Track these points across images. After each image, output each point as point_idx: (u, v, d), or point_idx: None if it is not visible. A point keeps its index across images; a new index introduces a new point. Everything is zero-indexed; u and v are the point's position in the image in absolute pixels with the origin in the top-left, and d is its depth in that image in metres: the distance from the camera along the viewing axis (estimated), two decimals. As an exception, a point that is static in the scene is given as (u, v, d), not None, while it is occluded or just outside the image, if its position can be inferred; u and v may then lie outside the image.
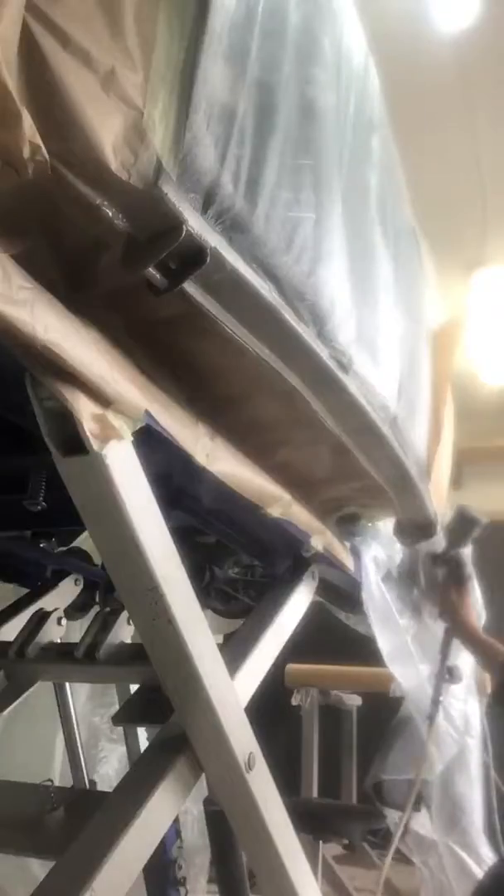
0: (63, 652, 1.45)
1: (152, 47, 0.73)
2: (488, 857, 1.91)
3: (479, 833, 1.93)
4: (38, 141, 0.64)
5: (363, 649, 1.88)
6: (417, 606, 1.95)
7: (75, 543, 1.76)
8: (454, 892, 1.86)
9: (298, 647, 1.62)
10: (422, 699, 1.82)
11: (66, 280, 0.79)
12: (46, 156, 0.65)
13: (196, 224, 0.78)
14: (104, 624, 1.43)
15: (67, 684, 1.95)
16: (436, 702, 1.81)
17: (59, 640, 1.51)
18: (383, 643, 1.67)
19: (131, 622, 1.41)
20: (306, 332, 1.02)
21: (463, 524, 1.87)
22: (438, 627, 1.93)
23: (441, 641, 1.84)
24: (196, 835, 2.37)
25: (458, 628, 1.80)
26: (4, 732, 2.47)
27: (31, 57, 0.63)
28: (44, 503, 1.15)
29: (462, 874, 1.86)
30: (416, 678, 1.80)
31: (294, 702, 2.97)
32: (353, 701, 3.05)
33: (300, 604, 1.54)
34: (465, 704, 1.97)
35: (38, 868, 2.25)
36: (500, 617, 2.04)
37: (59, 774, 2.43)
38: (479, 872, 1.86)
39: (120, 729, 2.87)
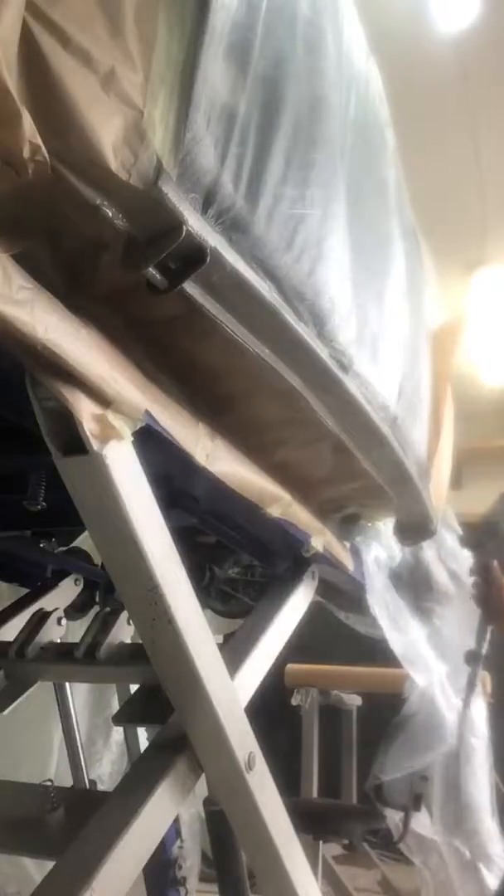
0: (63, 652, 1.45)
1: (152, 47, 0.73)
2: (499, 856, 1.89)
3: (488, 833, 1.92)
4: (38, 141, 0.64)
5: (363, 649, 1.88)
6: (424, 608, 1.94)
7: (75, 543, 1.76)
8: (456, 892, 1.86)
9: (298, 647, 1.62)
10: (436, 696, 1.81)
11: (66, 280, 0.79)
12: (46, 156, 0.65)
13: (196, 224, 0.78)
14: (104, 624, 1.43)
15: (67, 684, 1.95)
16: (472, 685, 1.78)
17: (59, 640, 1.51)
18: (394, 643, 1.67)
19: (131, 622, 1.41)
20: (306, 332, 1.02)
21: None
22: (446, 626, 1.92)
23: (476, 629, 1.80)
24: (187, 837, 2.37)
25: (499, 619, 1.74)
26: (3, 732, 2.47)
27: (31, 57, 0.63)
28: (44, 503, 1.15)
29: (468, 875, 1.85)
30: (430, 676, 1.79)
31: (294, 702, 2.97)
32: (353, 701, 3.05)
33: (300, 604, 1.54)
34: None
35: (32, 865, 2.26)
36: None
37: (55, 774, 2.43)
38: (488, 874, 1.85)
39: (113, 731, 2.88)
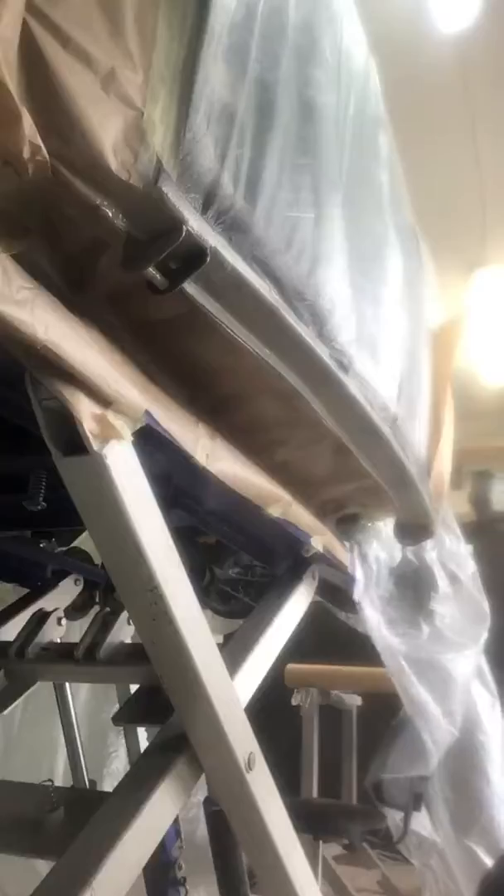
0: (63, 652, 1.45)
1: (152, 47, 0.73)
2: None
3: (500, 828, 1.91)
4: (38, 141, 0.64)
5: (363, 649, 1.88)
6: (427, 609, 1.94)
7: (75, 543, 1.76)
8: (462, 893, 1.85)
9: (298, 647, 1.62)
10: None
11: (66, 280, 0.79)
12: (46, 156, 0.65)
13: (196, 224, 0.78)
14: (104, 624, 1.43)
15: (67, 684, 1.95)
16: None
17: (59, 640, 1.51)
18: (380, 644, 1.67)
19: (131, 622, 1.41)
20: (306, 332, 1.02)
21: None
22: (447, 628, 1.92)
23: None
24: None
25: None
26: (6, 732, 2.47)
27: (31, 57, 0.63)
28: (44, 503, 1.15)
29: (476, 876, 1.84)
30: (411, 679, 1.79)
31: (294, 702, 2.97)
32: (353, 701, 3.05)
33: (300, 604, 1.54)
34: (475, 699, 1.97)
35: (44, 867, 2.25)
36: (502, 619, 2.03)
37: (62, 774, 2.44)
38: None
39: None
